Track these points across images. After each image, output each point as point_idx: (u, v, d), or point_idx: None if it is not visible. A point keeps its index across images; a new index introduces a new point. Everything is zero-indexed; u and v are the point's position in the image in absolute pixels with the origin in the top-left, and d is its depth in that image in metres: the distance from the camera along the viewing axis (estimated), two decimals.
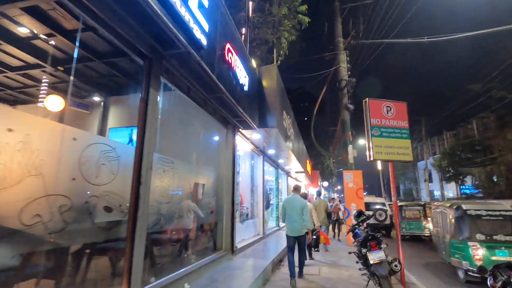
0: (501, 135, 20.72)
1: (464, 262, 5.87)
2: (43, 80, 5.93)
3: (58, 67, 5.52)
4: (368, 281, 4.81)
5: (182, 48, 3.20)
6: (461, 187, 34.78)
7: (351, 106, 11.14)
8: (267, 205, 10.53)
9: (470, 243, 5.80)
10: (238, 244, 6.86)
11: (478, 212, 6.15)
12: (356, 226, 5.53)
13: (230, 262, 5.54)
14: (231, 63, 4.68)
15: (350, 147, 10.79)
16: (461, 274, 6.20)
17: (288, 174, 16.13)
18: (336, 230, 10.39)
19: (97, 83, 6.44)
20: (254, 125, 6.27)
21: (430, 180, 42.10)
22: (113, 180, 2.86)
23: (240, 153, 8.55)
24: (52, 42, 4.44)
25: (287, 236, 5.29)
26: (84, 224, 2.49)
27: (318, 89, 12.41)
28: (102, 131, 6.48)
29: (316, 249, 7.10)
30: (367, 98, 5.87)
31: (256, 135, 7.30)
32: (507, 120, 20.38)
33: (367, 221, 5.67)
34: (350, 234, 5.72)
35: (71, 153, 2.41)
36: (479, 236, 5.83)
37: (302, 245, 5.39)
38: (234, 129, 6.50)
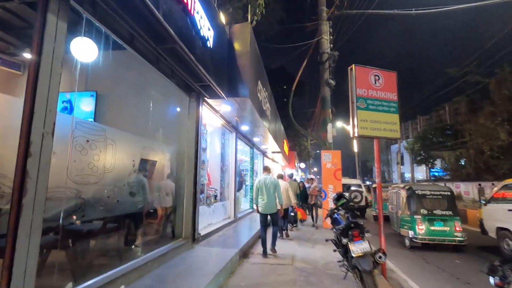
0: (473, 119, 21.16)
1: (410, 231, 7.17)
2: None
3: None
4: (347, 273, 4.21)
5: None
6: (430, 170, 36.26)
7: (332, 82, 10.37)
8: (239, 186, 9.76)
9: (415, 217, 7.11)
10: (203, 230, 6.05)
11: (424, 192, 7.47)
12: (335, 211, 4.88)
13: (190, 252, 4.72)
14: (188, 3, 3.62)
15: (329, 126, 10.14)
16: (407, 241, 7.37)
17: (264, 154, 15.42)
18: (314, 215, 9.50)
19: (28, 36, 5.12)
20: (221, 93, 5.30)
21: (401, 163, 43.57)
22: None
23: (209, 128, 7.58)
24: None
25: (260, 214, 5.61)
26: None
27: (298, 69, 11.48)
28: None
29: (295, 225, 7.74)
30: (353, 65, 5.07)
31: (225, 107, 6.34)
32: (479, 105, 20.77)
33: (348, 205, 5.03)
34: (328, 219, 5.07)
35: None
36: (423, 211, 7.16)
37: (275, 220, 5.71)
38: (199, 97, 5.50)
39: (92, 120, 4.85)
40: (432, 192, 7.44)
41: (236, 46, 5.89)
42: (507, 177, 9.39)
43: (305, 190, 9.20)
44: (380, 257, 3.56)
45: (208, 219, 6.69)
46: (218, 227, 6.84)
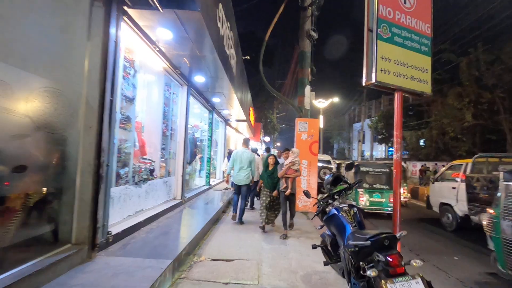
0: (440, 100, 20.94)
1: (353, 202, 7.84)
2: None
3: None
4: None
5: None
6: (389, 148, 37.29)
7: (314, 34, 8.35)
8: (191, 157, 7.64)
9: (359, 190, 7.93)
10: (123, 223, 3.95)
11: (367, 169, 8.56)
12: (330, 201, 3.10)
13: (74, 276, 2.62)
14: None
15: (307, 88, 8.27)
16: None
17: (227, 122, 13.28)
18: (288, 216, 5.24)
19: None
20: None
21: (362, 141, 44.41)
22: None
23: (147, 76, 5.21)
24: None
25: (234, 184, 6.02)
26: None
27: (269, 34, 8.42)
28: None
29: (258, 198, 7.17)
30: None
31: (164, 32, 4.01)
32: (448, 84, 20.47)
33: (350, 191, 3.28)
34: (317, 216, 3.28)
35: None
36: (365, 185, 8.06)
37: (244, 193, 5.90)
38: (111, 2, 3.14)
39: None
40: (374, 169, 8.51)
41: None
42: (462, 158, 10.02)
43: (276, 170, 5.45)
44: None
45: (137, 204, 4.56)
46: (154, 214, 4.77)
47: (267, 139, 34.54)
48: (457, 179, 7.09)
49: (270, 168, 5.57)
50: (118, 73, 3.37)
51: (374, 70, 2.97)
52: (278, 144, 49.14)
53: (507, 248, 3.45)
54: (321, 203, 3.13)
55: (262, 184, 5.64)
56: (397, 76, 3.11)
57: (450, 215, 7.16)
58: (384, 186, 8.09)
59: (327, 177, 3.28)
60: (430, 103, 22.45)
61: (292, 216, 5.37)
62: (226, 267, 3.60)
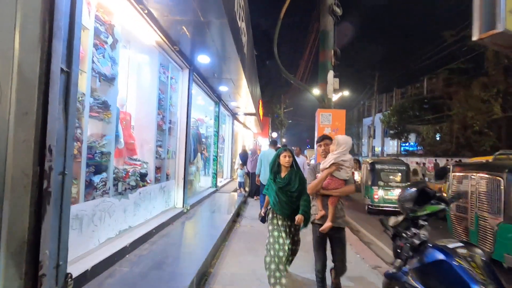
0: (463, 91, 19.43)
1: (368, 199, 8.44)
2: None
3: None
4: None
5: None
6: (402, 144, 35.72)
7: (338, 10, 7.07)
8: (193, 155, 6.47)
9: (373, 187, 8.21)
10: (96, 253, 2.80)
11: (382, 167, 8.60)
12: (414, 231, 1.90)
13: None
14: None
15: (330, 74, 7.00)
16: (366, 207, 8.57)
17: (234, 116, 12.08)
18: (334, 275, 2.79)
19: None
20: None
21: (373, 136, 42.82)
22: None
23: (139, 53, 4.02)
24: None
25: (261, 184, 6.14)
26: None
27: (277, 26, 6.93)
28: None
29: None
30: None
31: None
32: (472, 74, 18.97)
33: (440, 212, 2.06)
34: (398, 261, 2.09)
35: None
36: (380, 183, 8.26)
37: None
38: None
39: None
40: (390, 167, 8.57)
41: None
42: (486, 155, 9.38)
43: (296, 177, 2.92)
44: None
45: (122, 221, 3.40)
46: (146, 233, 3.62)
47: (275, 134, 33.34)
48: None
49: (283, 174, 2.91)
50: (78, 30, 2.19)
51: (501, 13, 1.74)
52: (284, 140, 47.77)
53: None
54: (402, 236, 1.92)
55: (267, 206, 3.06)
56: None
57: None
58: (399, 184, 8.10)
59: (408, 191, 2.07)
60: (451, 94, 20.91)
61: (341, 272, 2.69)
62: None
